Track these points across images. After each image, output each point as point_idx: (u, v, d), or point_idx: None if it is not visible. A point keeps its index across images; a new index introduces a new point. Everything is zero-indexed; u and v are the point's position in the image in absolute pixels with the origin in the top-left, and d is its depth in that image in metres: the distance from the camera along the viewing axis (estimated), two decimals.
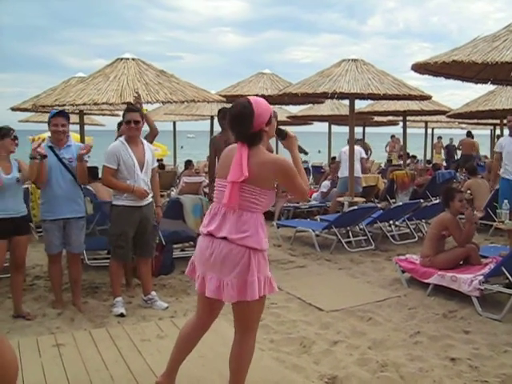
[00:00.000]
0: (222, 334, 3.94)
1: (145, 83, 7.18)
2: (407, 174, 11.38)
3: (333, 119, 15.64)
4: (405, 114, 13.10)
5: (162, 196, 8.89)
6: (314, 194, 11.02)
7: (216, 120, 7.21)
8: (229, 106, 7.93)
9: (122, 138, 4.96)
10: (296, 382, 3.52)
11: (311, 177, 16.11)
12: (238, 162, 2.73)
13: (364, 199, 9.37)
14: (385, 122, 18.12)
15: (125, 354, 3.86)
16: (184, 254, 6.73)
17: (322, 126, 17.72)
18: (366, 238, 7.91)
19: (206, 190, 9.98)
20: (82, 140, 9.16)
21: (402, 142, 15.65)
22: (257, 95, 11.10)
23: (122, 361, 3.76)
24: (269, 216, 4.61)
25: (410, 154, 17.35)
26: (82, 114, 9.32)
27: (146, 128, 5.54)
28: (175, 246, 6.65)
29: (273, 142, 3.09)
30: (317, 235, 7.79)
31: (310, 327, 4.62)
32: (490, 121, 15.63)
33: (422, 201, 9.14)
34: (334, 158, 13.56)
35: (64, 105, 7.02)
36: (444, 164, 18.35)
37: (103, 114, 13.47)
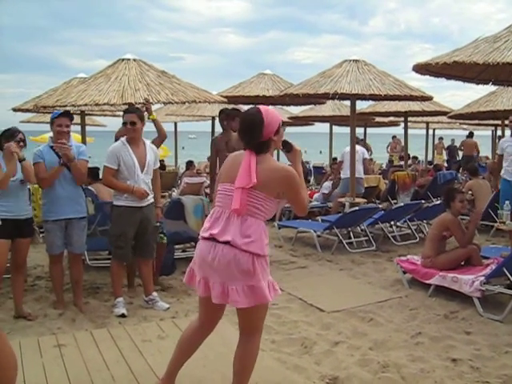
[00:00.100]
0: (223, 335, 3.94)
1: (146, 84, 7.19)
2: (408, 175, 11.37)
3: (334, 120, 15.63)
4: (406, 114, 13.09)
5: (163, 197, 8.91)
6: (316, 195, 11.01)
7: (217, 121, 7.21)
8: (230, 106, 7.97)
9: (123, 139, 4.96)
10: (297, 383, 3.52)
11: (312, 177, 16.13)
12: (246, 169, 2.76)
13: (365, 200, 9.37)
14: (386, 122, 18.10)
15: (126, 355, 3.87)
16: (185, 255, 6.73)
17: (324, 127, 17.72)
18: (367, 238, 7.90)
19: (208, 190, 9.97)
20: (84, 140, 9.17)
21: (403, 143, 15.65)
22: (258, 96, 11.14)
23: (123, 361, 3.76)
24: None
25: (411, 155, 17.34)
26: (83, 114, 9.34)
27: (149, 129, 5.56)
28: (176, 246, 6.64)
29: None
30: (318, 236, 7.79)
31: (311, 328, 4.62)
32: (492, 121, 15.62)
33: (423, 201, 9.15)
34: (335, 158, 13.56)
35: (65, 105, 7.02)
36: (445, 165, 18.34)
37: (104, 115, 13.48)
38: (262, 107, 2.89)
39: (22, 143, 4.71)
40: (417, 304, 5.25)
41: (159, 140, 5.83)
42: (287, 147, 3.00)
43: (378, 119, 16.78)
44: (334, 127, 16.54)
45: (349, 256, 7.32)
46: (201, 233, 2.93)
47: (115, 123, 5.06)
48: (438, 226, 5.79)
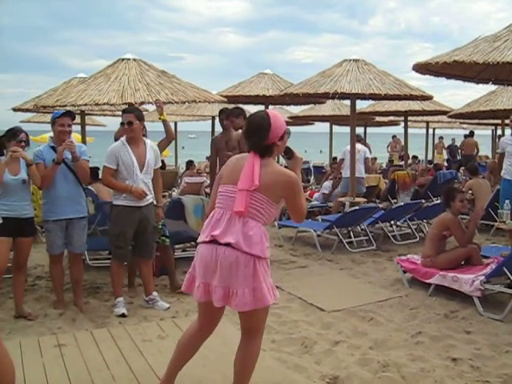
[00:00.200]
0: (223, 335, 3.94)
1: (146, 84, 7.18)
2: (408, 175, 11.37)
3: (334, 119, 15.64)
4: (406, 114, 13.09)
5: (163, 196, 8.89)
6: (316, 195, 11.01)
7: (217, 120, 7.21)
8: (230, 106, 7.96)
9: (123, 139, 4.97)
10: (297, 382, 3.52)
11: (312, 177, 16.13)
12: (249, 171, 2.77)
13: (365, 199, 9.36)
14: (386, 122, 18.11)
15: (126, 355, 3.87)
16: (185, 255, 6.74)
17: (324, 127, 17.72)
18: (367, 238, 7.90)
19: (208, 190, 9.98)
20: (84, 140, 9.18)
21: (403, 142, 15.65)
22: (258, 95, 11.14)
23: (124, 361, 3.76)
24: None
25: (412, 155, 17.34)
26: (83, 114, 9.34)
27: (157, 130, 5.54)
28: (177, 246, 6.65)
29: None
30: (318, 235, 7.79)
31: (312, 327, 4.62)
32: (492, 121, 15.63)
33: (423, 201, 9.14)
34: (335, 158, 13.56)
35: (65, 105, 7.02)
36: (445, 164, 18.35)
37: (104, 115, 13.48)
38: (270, 111, 2.93)
39: (23, 143, 4.71)
40: (417, 303, 5.25)
41: (166, 141, 5.83)
42: (289, 154, 3.03)
43: (378, 119, 16.79)
44: (334, 127, 16.54)
45: (349, 255, 7.32)
46: (200, 236, 2.90)
47: (115, 123, 5.08)
48: (438, 225, 5.79)
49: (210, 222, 2.89)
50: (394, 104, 12.76)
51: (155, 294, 5.20)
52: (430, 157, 19.92)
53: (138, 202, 4.90)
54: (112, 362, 3.74)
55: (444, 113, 13.37)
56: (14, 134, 4.69)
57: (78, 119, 9.40)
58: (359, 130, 13.61)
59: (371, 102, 12.71)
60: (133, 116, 4.88)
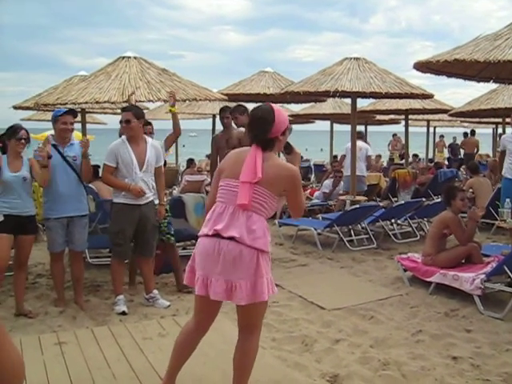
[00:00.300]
0: (223, 332, 3.94)
1: (146, 82, 7.17)
2: (409, 173, 11.36)
3: (335, 118, 15.62)
4: (407, 112, 13.07)
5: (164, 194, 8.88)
6: (316, 193, 11.01)
7: (218, 118, 7.20)
8: (231, 104, 7.96)
9: (123, 137, 4.97)
10: (298, 381, 3.52)
11: (313, 175, 16.13)
12: (252, 163, 2.78)
13: (366, 198, 9.36)
14: (387, 120, 18.08)
15: (127, 352, 3.87)
16: (186, 253, 6.73)
17: (324, 125, 17.70)
18: (367, 236, 7.90)
19: (208, 188, 9.96)
20: None
21: (403, 141, 15.63)
22: (259, 94, 11.11)
23: (124, 359, 3.77)
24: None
25: (412, 153, 17.33)
26: (83, 112, 9.33)
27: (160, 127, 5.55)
28: (177, 244, 6.64)
29: None
30: (319, 234, 7.79)
31: (312, 326, 4.62)
32: (492, 119, 15.61)
33: (423, 199, 9.14)
34: (336, 156, 13.55)
35: (66, 103, 7.02)
36: (446, 163, 18.34)
37: (105, 113, 13.47)
38: (274, 106, 2.94)
39: (23, 141, 4.70)
40: (417, 302, 5.25)
41: (174, 136, 5.80)
42: (288, 149, 3.07)
43: (378, 117, 16.77)
44: (334, 125, 16.52)
45: (349, 254, 7.32)
46: (203, 229, 2.89)
47: (116, 121, 5.08)
48: (439, 224, 5.79)
49: (211, 216, 2.88)
50: (394, 102, 12.74)
51: (156, 292, 5.20)
52: (430, 155, 19.90)
53: (137, 200, 4.90)
54: (112, 360, 3.74)
55: (445, 111, 13.36)
56: (13, 131, 4.69)
57: (78, 117, 9.42)
58: (360, 129, 13.61)
59: (372, 100, 12.65)
60: (131, 114, 4.87)
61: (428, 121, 17.98)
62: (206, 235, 2.85)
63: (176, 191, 11.44)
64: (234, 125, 6.51)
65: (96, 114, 14.55)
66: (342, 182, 10.40)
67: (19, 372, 1.05)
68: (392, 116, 16.40)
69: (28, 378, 3.40)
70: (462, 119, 16.86)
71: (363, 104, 13.65)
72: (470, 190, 8.91)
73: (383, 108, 13.42)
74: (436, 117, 16.55)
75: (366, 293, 5.57)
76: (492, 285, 5.01)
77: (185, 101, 7.99)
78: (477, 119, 15.82)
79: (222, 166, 3.04)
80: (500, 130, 15.82)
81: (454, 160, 18.57)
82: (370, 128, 19.10)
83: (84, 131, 9.58)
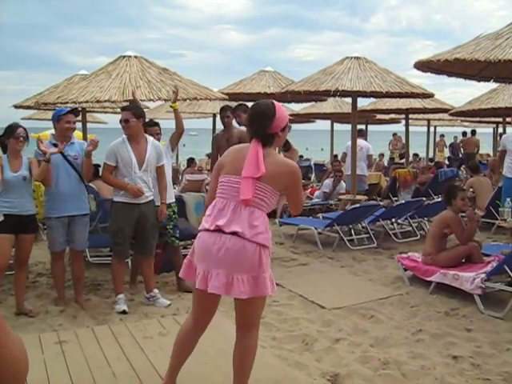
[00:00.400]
0: (223, 331, 3.94)
1: (147, 81, 7.18)
2: (409, 172, 11.36)
3: (335, 117, 15.62)
4: (407, 112, 13.07)
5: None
6: (317, 192, 11.01)
7: (218, 118, 7.20)
8: (231, 103, 7.96)
9: (124, 136, 4.97)
10: (298, 380, 3.52)
11: (313, 174, 16.13)
12: (254, 159, 2.78)
13: (366, 197, 9.35)
14: (387, 119, 18.08)
15: (127, 351, 3.87)
16: (186, 252, 6.72)
17: (325, 124, 17.69)
18: (368, 236, 7.90)
19: (208, 187, 9.95)
20: (85, 138, 9.16)
21: (404, 140, 15.63)
22: (259, 93, 11.11)
23: (125, 358, 3.77)
24: (271, 214, 4.57)
25: (413, 152, 17.32)
26: (84, 111, 9.33)
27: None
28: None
29: None
30: (319, 233, 7.79)
31: (312, 325, 4.62)
32: (493, 119, 15.61)
33: (424, 199, 9.14)
34: (336, 156, 13.55)
35: (66, 102, 7.03)
36: (446, 162, 18.34)
37: (105, 112, 13.47)
38: (275, 101, 2.95)
39: (21, 138, 4.68)
40: (417, 301, 5.25)
41: (177, 134, 5.74)
42: (286, 146, 3.09)
43: (379, 116, 16.77)
44: (335, 124, 16.51)
45: (350, 253, 7.32)
46: (203, 224, 2.88)
47: (116, 120, 5.08)
48: (439, 223, 5.79)
49: (212, 211, 2.87)
50: (395, 102, 12.73)
51: (156, 291, 5.20)
52: (431, 155, 19.90)
53: (136, 199, 4.90)
54: (113, 359, 3.74)
55: (445, 111, 13.35)
56: (11, 130, 4.68)
57: (79, 116, 9.43)
58: (360, 128, 13.60)
59: (372, 99, 12.66)
60: (129, 113, 4.87)
61: (428, 120, 17.98)
62: (207, 230, 2.84)
63: (176, 190, 11.46)
64: (235, 124, 6.50)
65: (96, 113, 14.55)
66: (343, 182, 10.39)
67: (21, 369, 1.05)
68: (392, 115, 16.40)
69: (28, 376, 3.37)
70: (463, 119, 16.85)
71: (364, 103, 13.66)
72: (471, 190, 8.91)
73: (384, 107, 13.42)
74: (436, 116, 16.54)
75: (366, 292, 5.58)
76: (492, 284, 5.01)
77: (185, 100, 7.99)
78: (477, 119, 15.81)
79: (222, 161, 3.04)
80: (500, 130, 15.81)
81: (455, 159, 18.58)
82: (371, 127, 19.11)
83: (85, 130, 9.59)
